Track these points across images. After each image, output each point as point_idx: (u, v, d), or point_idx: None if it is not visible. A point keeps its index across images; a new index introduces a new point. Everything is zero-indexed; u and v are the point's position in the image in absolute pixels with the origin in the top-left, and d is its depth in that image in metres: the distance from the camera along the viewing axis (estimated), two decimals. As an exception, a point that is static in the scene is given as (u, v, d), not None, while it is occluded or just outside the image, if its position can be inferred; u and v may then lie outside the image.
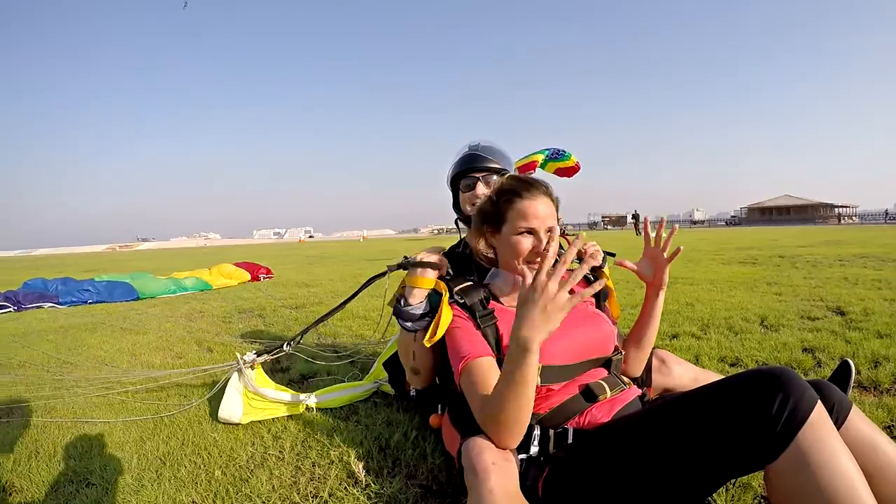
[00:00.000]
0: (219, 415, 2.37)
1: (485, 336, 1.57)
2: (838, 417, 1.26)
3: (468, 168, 2.21)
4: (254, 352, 2.57)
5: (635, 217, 40.65)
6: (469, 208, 2.17)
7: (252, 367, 2.49)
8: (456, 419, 1.73)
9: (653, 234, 1.73)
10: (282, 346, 2.59)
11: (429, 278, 1.83)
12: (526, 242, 1.58)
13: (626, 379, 1.69)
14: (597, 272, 1.93)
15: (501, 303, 1.70)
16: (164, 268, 12.93)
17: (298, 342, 2.62)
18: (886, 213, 66.14)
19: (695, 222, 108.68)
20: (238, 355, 2.50)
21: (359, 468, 1.88)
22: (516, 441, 1.36)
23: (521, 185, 1.64)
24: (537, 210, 1.59)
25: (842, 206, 78.11)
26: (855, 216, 75.64)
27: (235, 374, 2.46)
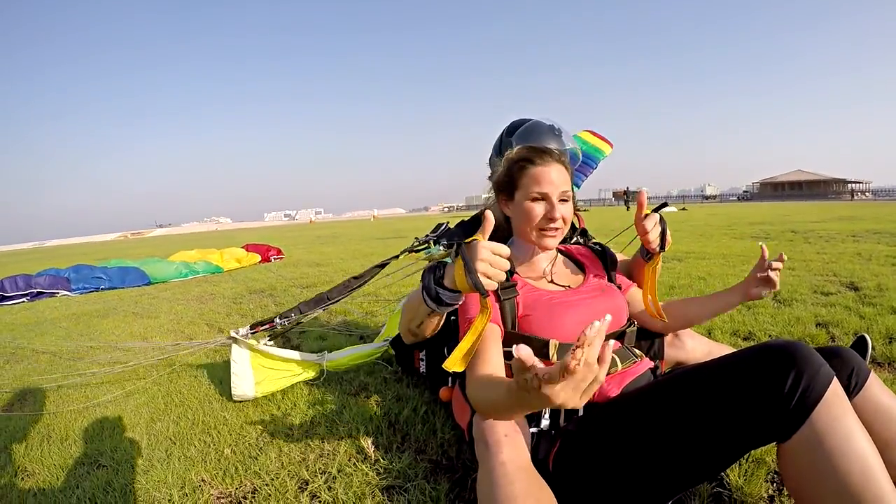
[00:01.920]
0: (232, 394, 2.37)
1: (501, 309, 1.53)
2: (857, 382, 1.24)
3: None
4: (247, 326, 2.56)
5: (626, 193, 40.60)
6: None
7: (246, 337, 2.47)
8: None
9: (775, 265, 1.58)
10: (273, 319, 2.58)
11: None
12: (538, 208, 1.55)
13: (637, 351, 1.65)
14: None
15: (519, 273, 1.66)
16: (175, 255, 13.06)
17: (292, 318, 2.60)
18: (901, 189, 65.25)
19: (706, 197, 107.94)
20: (231, 331, 2.48)
21: (368, 444, 1.88)
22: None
23: (533, 153, 1.61)
24: (550, 176, 1.55)
25: (855, 182, 77.34)
26: (868, 192, 74.83)
27: (234, 349, 2.42)
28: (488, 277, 1.22)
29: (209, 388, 2.61)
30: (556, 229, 1.56)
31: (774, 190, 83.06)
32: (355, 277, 2.70)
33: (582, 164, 2.24)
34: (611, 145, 2.33)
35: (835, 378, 1.06)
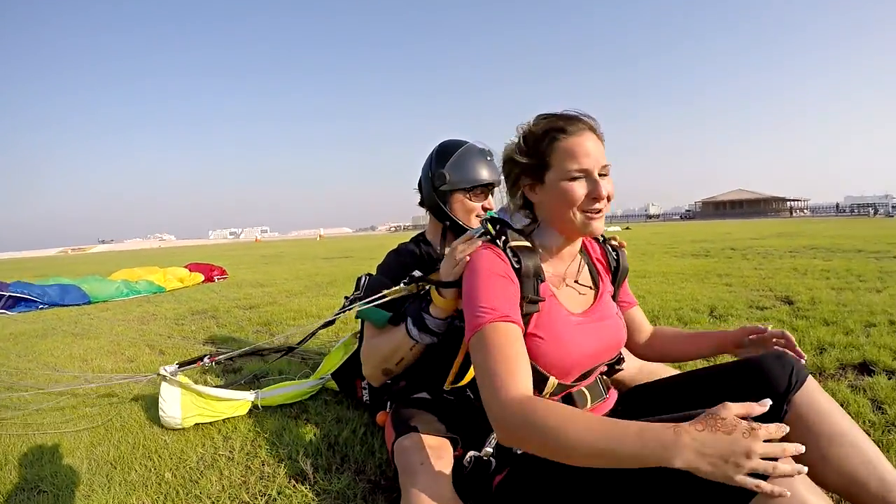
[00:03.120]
0: (161, 419, 2.35)
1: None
2: (797, 381, 1.20)
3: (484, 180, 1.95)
4: (176, 363, 2.54)
5: None
6: (475, 218, 1.93)
7: (175, 375, 2.44)
8: (394, 417, 1.74)
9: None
10: (202, 357, 2.64)
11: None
12: (580, 188, 1.27)
13: (607, 382, 1.52)
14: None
15: (546, 276, 1.37)
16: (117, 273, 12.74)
17: (220, 361, 2.64)
18: (837, 206, 67.92)
19: (650, 216, 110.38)
20: (161, 368, 2.46)
21: (307, 465, 1.91)
22: None
23: (562, 121, 1.31)
24: (587, 147, 1.27)
25: (794, 200, 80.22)
26: (807, 209, 77.68)
27: (164, 385, 2.40)
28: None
29: (149, 412, 2.58)
30: (601, 210, 1.30)
31: (716, 208, 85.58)
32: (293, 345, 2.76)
33: None
34: None
35: (809, 377, 1.17)
